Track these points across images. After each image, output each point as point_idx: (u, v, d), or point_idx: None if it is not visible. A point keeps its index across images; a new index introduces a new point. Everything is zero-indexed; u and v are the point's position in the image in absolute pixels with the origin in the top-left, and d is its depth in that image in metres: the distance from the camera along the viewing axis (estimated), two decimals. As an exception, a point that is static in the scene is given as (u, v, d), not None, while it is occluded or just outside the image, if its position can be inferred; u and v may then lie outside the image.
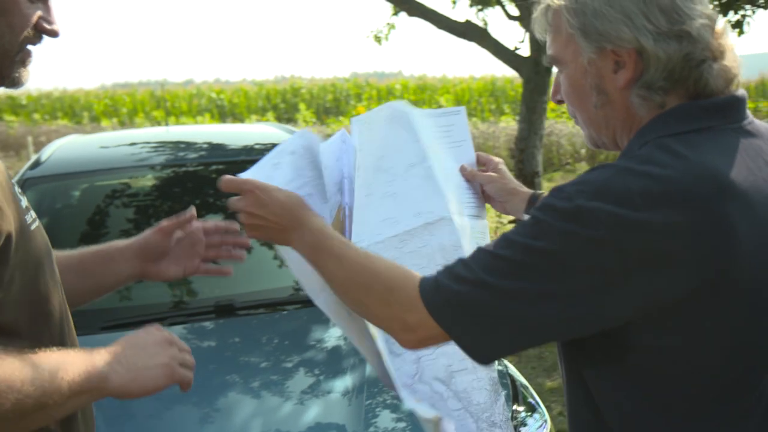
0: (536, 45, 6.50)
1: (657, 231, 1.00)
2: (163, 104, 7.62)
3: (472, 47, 6.97)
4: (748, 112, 1.15)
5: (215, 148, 3.62)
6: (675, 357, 1.08)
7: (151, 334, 1.19)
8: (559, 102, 1.25)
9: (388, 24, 7.70)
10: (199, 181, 3.31)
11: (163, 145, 3.59)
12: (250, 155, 3.57)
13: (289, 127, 4.14)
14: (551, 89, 1.29)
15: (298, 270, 1.44)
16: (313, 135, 1.49)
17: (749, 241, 1.03)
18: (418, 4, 6.72)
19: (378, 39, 7.66)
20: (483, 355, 1.13)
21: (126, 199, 3.23)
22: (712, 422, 1.10)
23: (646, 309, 1.04)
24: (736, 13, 6.51)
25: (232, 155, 3.54)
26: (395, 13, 7.53)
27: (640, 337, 1.08)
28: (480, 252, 1.12)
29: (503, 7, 7.58)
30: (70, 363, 1.07)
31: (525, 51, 6.95)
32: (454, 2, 7.73)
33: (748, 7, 6.46)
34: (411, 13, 6.96)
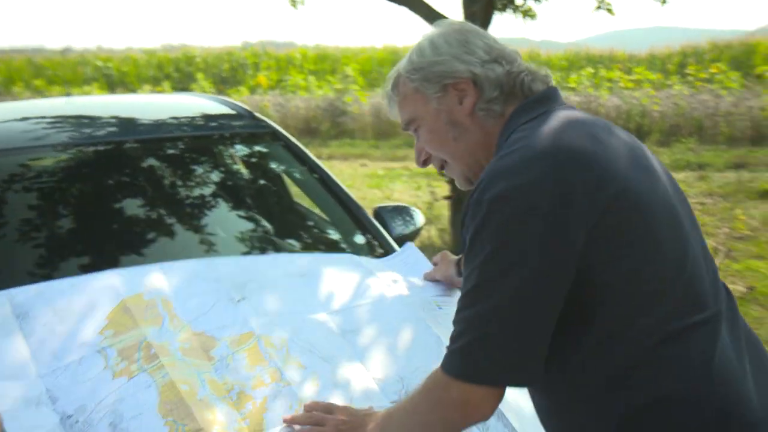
0: (469, 6, 6.10)
1: (547, 184, 1.20)
2: (45, 72, 6.84)
3: (368, 16, 6.52)
4: (562, 97, 1.45)
5: (130, 123, 3.03)
6: (615, 293, 1.24)
7: None
8: (426, 163, 1.49)
9: (303, -14, 7.09)
10: (115, 163, 2.73)
11: (63, 119, 2.98)
12: (174, 131, 3.03)
13: (220, 96, 3.54)
14: (417, 157, 1.51)
15: None
16: None
17: (616, 171, 1.25)
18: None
19: (294, 2, 7.05)
20: (520, 377, 1.24)
21: (26, 184, 2.61)
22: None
23: (583, 254, 1.20)
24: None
25: (152, 131, 2.97)
26: (309, -25, 6.94)
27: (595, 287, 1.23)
28: (459, 301, 1.27)
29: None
30: None
31: (455, 16, 6.55)
32: (375, -36, 7.23)
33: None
34: (330, -26, 6.42)
